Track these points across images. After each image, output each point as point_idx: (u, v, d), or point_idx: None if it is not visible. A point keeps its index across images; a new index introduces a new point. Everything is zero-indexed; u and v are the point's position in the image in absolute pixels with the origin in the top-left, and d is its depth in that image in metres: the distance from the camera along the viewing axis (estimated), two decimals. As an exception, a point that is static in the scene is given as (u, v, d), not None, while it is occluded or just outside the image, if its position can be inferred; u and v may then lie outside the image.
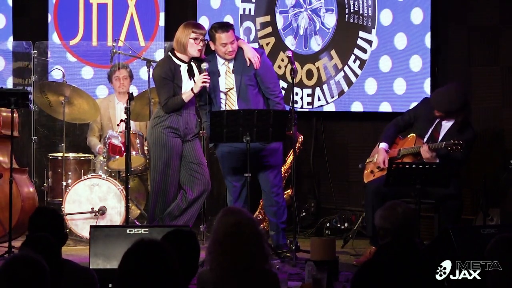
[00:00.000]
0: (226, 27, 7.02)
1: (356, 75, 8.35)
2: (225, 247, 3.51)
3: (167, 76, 6.94)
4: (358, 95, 8.30)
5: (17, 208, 7.39)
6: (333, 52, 8.45)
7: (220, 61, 7.07)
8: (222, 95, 7.06)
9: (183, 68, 7.00)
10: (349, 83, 8.40)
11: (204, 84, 6.86)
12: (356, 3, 8.25)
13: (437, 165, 6.59)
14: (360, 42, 8.28)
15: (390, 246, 3.78)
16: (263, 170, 7.11)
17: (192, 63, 7.02)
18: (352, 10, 8.28)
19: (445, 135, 6.88)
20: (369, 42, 8.23)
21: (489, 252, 3.49)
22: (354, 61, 8.34)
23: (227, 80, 7.05)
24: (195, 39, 6.90)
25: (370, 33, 8.20)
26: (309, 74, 8.57)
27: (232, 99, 7.06)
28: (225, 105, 7.05)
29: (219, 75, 7.06)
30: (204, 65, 6.91)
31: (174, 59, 7.00)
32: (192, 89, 6.91)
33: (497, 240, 3.51)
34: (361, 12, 8.23)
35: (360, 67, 8.31)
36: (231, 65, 7.05)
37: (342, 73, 8.43)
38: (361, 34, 8.26)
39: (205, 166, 7.12)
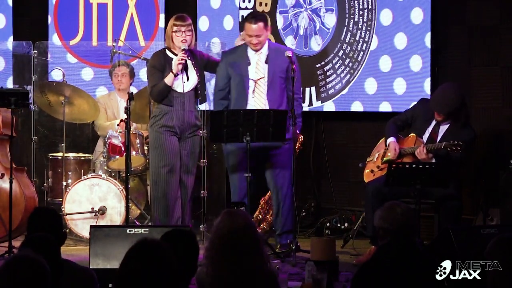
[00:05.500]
0: (255, 19, 7.04)
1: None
2: (222, 251, 3.51)
3: (157, 66, 7.09)
4: (358, 95, 8.30)
5: (20, 208, 7.38)
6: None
7: (251, 49, 7.09)
8: (251, 83, 7.06)
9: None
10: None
11: (181, 63, 6.94)
12: (331, 72, 8.33)
13: (436, 165, 6.59)
14: (306, 95, 8.42)
15: (390, 246, 3.78)
16: (274, 169, 7.11)
17: (188, 60, 7.04)
18: (324, 69, 8.36)
19: (443, 137, 6.87)
20: (311, 103, 8.39)
21: (489, 252, 3.50)
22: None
23: (257, 70, 7.07)
24: (175, 32, 7.02)
25: (316, 100, 8.37)
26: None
27: (262, 88, 7.07)
28: (253, 93, 7.06)
29: (249, 64, 7.07)
30: (183, 46, 6.99)
31: (168, 52, 7.14)
32: (171, 71, 6.99)
33: (497, 240, 3.51)
34: (332, 84, 8.34)
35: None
36: (263, 56, 7.05)
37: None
38: (312, 91, 8.41)
39: (193, 175, 7.16)
